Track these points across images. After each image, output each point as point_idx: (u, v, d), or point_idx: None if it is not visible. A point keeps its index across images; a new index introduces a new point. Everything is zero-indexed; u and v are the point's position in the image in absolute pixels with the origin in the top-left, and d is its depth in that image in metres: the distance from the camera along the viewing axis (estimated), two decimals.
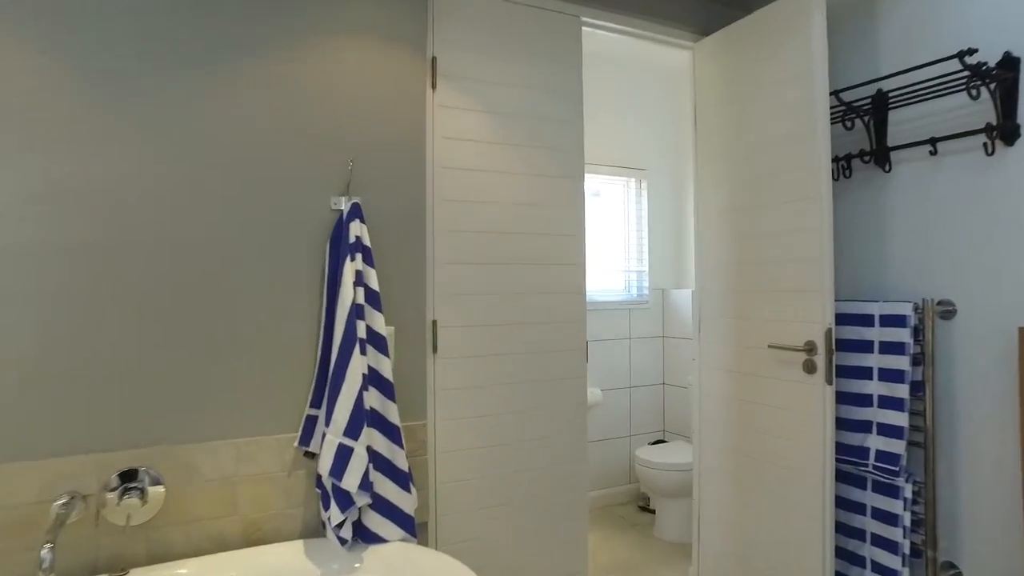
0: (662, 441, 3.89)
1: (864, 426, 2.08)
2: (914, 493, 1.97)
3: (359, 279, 1.80)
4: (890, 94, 2.11)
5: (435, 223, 2.09)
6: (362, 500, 1.71)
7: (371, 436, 1.77)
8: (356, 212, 1.85)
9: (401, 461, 1.81)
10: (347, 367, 1.73)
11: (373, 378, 1.80)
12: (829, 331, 2.01)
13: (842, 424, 2.12)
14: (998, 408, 1.84)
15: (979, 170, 1.89)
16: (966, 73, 1.83)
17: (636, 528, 3.53)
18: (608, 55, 3.83)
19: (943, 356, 1.98)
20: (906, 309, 1.98)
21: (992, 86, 1.80)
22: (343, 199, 1.89)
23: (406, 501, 1.81)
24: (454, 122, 2.13)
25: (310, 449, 1.83)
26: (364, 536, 1.76)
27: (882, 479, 2.01)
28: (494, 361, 2.17)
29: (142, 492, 1.60)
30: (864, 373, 2.10)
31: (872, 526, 2.05)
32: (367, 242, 1.85)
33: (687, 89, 3.82)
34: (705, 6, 2.68)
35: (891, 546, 1.98)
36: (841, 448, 2.11)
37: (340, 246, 1.85)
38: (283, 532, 1.81)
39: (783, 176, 2.18)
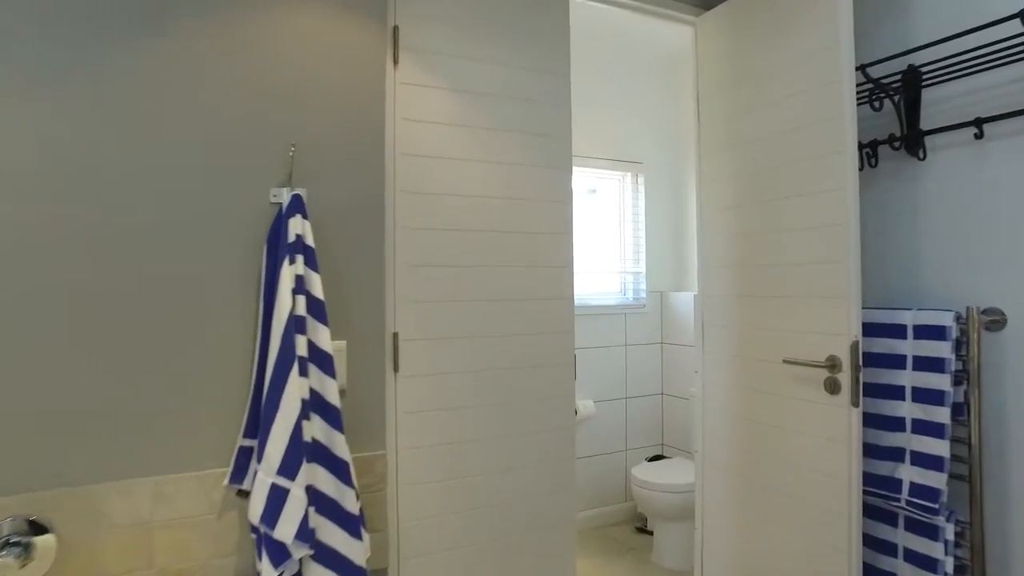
0: (661, 457, 3.60)
1: (895, 454, 1.80)
2: (957, 535, 1.68)
3: (300, 285, 1.51)
4: (924, 69, 1.82)
5: (396, 219, 1.80)
6: (300, 552, 1.42)
7: (313, 473, 1.48)
8: (297, 206, 1.56)
9: (350, 502, 1.52)
10: (282, 391, 1.44)
11: (316, 403, 1.51)
12: (855, 344, 1.72)
13: (868, 451, 1.83)
14: None
15: None
16: None
17: (633, 552, 3.24)
18: (600, 36, 3.54)
19: (991, 374, 1.69)
20: (946, 319, 1.69)
21: None
22: (284, 191, 1.60)
23: (356, 550, 1.51)
24: (419, 102, 1.84)
25: (244, 487, 1.54)
26: None
27: (918, 517, 1.72)
28: (467, 379, 1.88)
29: (25, 548, 1.30)
30: (895, 393, 1.81)
31: (905, 571, 1.76)
32: (310, 241, 1.56)
33: (688, 72, 3.53)
34: None
35: None
36: (867, 478, 1.82)
37: (279, 247, 1.56)
38: None
39: (800, 165, 1.89)
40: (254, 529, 1.50)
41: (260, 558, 1.44)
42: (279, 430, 1.43)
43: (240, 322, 1.58)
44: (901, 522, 1.79)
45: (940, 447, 1.68)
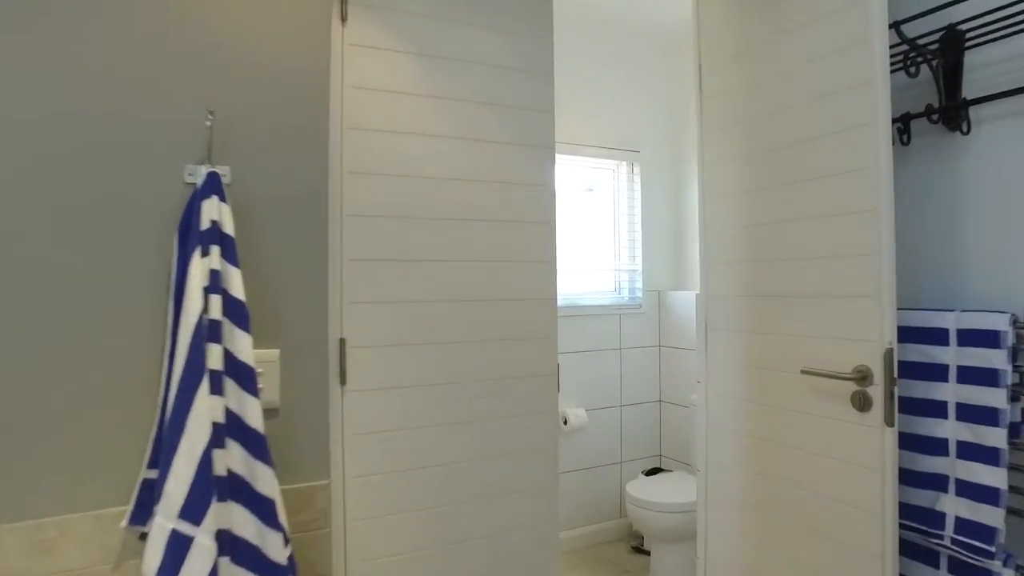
0: (659, 470, 3.32)
1: (936, 482, 1.52)
2: None
3: (214, 283, 1.23)
4: (966, 28, 1.54)
5: (343, 205, 1.52)
6: None
7: (227, 515, 1.19)
8: (213, 186, 1.28)
9: (275, 548, 1.24)
10: (187, 413, 1.17)
11: (234, 428, 1.22)
12: (889, 353, 1.44)
13: (903, 477, 1.55)
14: None
15: None
16: None
17: (628, 575, 2.97)
18: (592, 14, 3.25)
19: None
20: (999, 322, 1.41)
21: None
22: (202, 169, 1.32)
23: None
24: (372, 68, 1.56)
25: (147, 529, 1.26)
26: None
27: (966, 558, 1.44)
28: (430, 393, 1.60)
29: None
30: (934, 409, 1.53)
31: None
32: (229, 229, 1.28)
33: (688, 50, 3.24)
34: None
35: None
36: (902, 509, 1.54)
37: (190, 236, 1.28)
38: None
39: (821, 142, 1.61)
40: None
41: None
42: (183, 463, 1.15)
43: (147, 329, 1.30)
44: (944, 563, 1.51)
45: (994, 476, 1.40)
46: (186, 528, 1.13)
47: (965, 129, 1.58)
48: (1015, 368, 1.41)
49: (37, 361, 1.20)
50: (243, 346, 1.25)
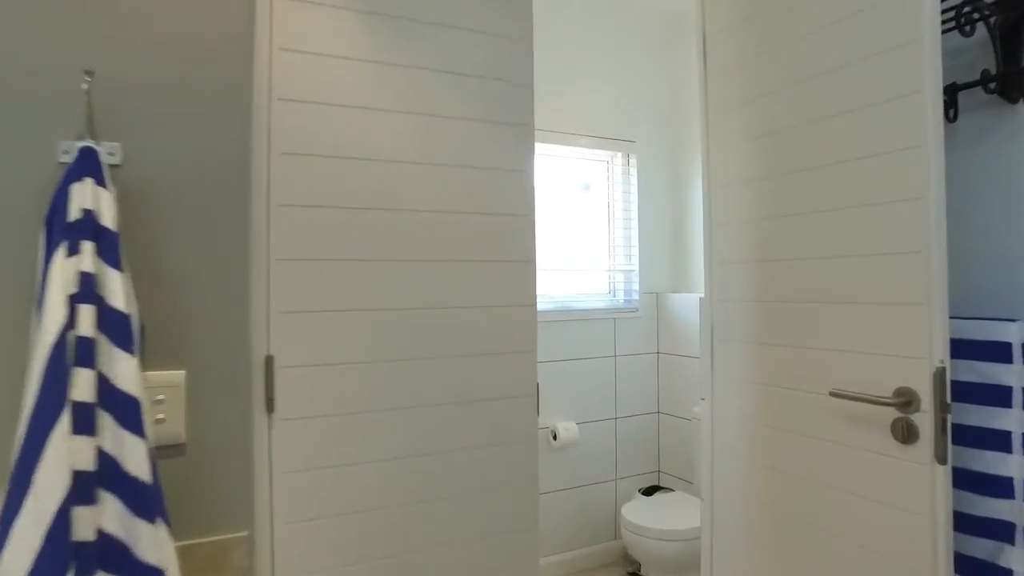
0: (657, 488, 3.05)
1: (999, 530, 1.25)
2: None
3: (86, 289, 0.95)
4: None
5: (270, 194, 1.24)
6: None
7: None
8: (87, 166, 1.00)
9: None
10: (36, 461, 0.89)
11: (109, 477, 0.95)
12: (940, 373, 1.17)
13: (957, 522, 1.28)
14: None
15: None
16: None
17: None
18: None
19: None
20: None
21: None
22: (78, 145, 1.04)
23: None
24: (307, 26, 1.28)
25: None
26: None
27: None
28: (380, 422, 1.32)
29: None
30: (995, 440, 1.26)
31: None
32: (109, 221, 1.00)
33: (689, 29, 2.97)
34: None
35: None
36: (957, 561, 1.27)
37: (54, 229, 1.00)
38: None
39: (854, 118, 1.33)
40: None
41: None
42: (26, 526, 0.87)
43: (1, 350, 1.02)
44: None
45: None
46: None
47: None
48: None
49: None
50: (124, 370, 0.97)
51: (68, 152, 1.05)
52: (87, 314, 0.95)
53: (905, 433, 1.22)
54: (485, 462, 1.41)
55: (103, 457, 0.94)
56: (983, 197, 1.40)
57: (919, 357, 1.21)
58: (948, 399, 1.18)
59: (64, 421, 0.90)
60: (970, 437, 1.29)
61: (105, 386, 0.96)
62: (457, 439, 1.38)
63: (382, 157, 1.34)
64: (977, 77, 1.37)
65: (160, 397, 1.12)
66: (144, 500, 0.96)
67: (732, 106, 1.67)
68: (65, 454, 0.89)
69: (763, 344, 1.57)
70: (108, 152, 1.09)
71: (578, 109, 3.00)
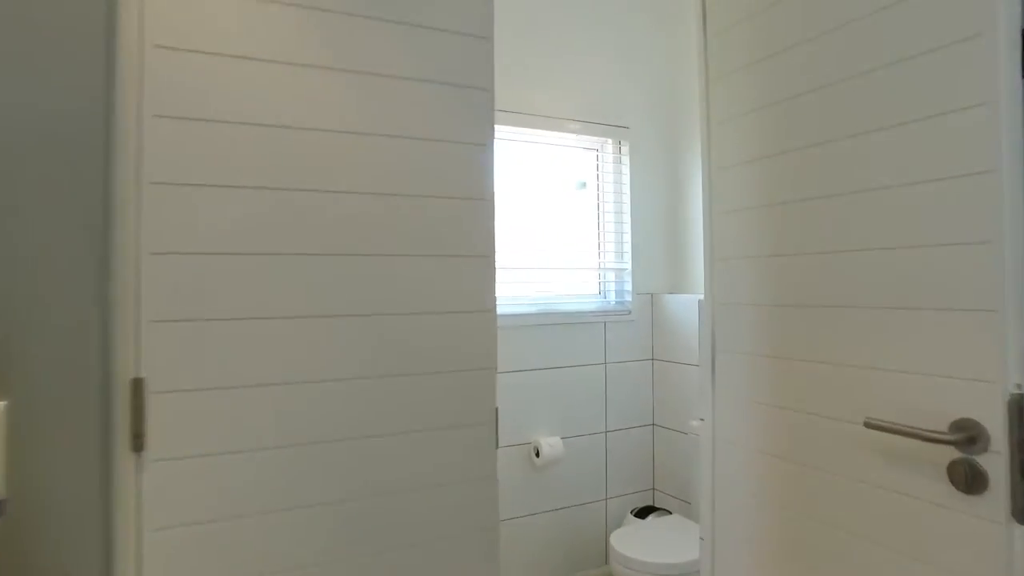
0: (652, 509, 2.76)
1: None
2: None
3: None
4: None
5: (142, 167, 0.95)
6: None
7: None
8: None
9: None
10: None
11: None
12: (1018, 401, 0.89)
13: None
14: None
15: None
16: None
17: None
18: None
19: None
20: None
21: None
22: None
23: None
24: None
25: None
26: None
27: None
28: (287, 461, 1.03)
29: None
30: None
31: None
32: None
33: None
34: None
35: None
36: None
37: None
38: None
39: (899, 71, 1.05)
40: None
41: None
42: None
43: None
44: None
45: None
46: None
47: None
48: None
49: None
50: None
51: None
52: None
53: (968, 480, 0.94)
54: (428, 511, 1.13)
55: None
56: None
57: (988, 380, 0.92)
58: None
59: None
60: None
61: None
62: (392, 482, 1.10)
63: (299, 124, 1.05)
64: None
65: None
66: None
67: (737, 67, 1.38)
68: None
69: (776, 357, 1.29)
70: None
71: (563, 91, 2.71)
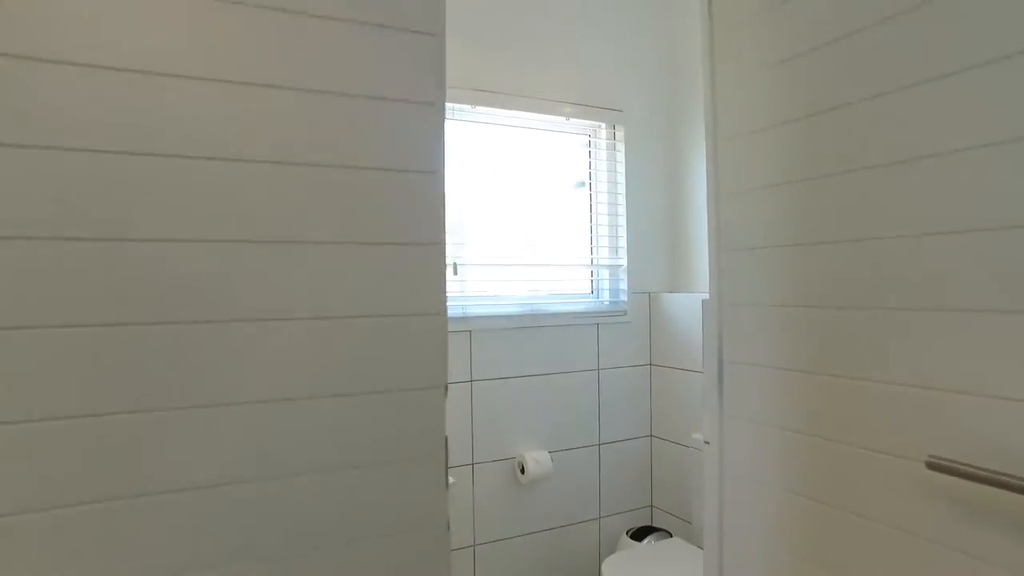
0: (650, 529, 2.52)
1: None
2: None
3: None
4: None
5: None
6: None
7: None
8: None
9: None
10: None
11: None
12: None
13: None
14: None
15: None
16: None
17: None
18: None
19: None
20: None
21: None
22: None
23: None
24: None
25: None
26: None
27: None
28: (142, 511, 0.78)
29: None
30: None
31: None
32: None
33: None
34: None
35: None
36: None
37: None
38: None
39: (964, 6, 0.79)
40: None
41: None
42: None
43: None
44: None
45: None
46: None
47: None
48: None
49: None
50: None
51: None
52: None
53: None
54: (355, 567, 0.87)
55: None
56: None
57: None
58: None
59: None
60: None
61: None
62: (307, 534, 0.84)
63: (178, 71, 0.80)
64: None
65: None
66: None
67: (748, 14, 1.13)
68: None
69: (802, 372, 1.03)
70: None
71: (551, 71, 2.46)
